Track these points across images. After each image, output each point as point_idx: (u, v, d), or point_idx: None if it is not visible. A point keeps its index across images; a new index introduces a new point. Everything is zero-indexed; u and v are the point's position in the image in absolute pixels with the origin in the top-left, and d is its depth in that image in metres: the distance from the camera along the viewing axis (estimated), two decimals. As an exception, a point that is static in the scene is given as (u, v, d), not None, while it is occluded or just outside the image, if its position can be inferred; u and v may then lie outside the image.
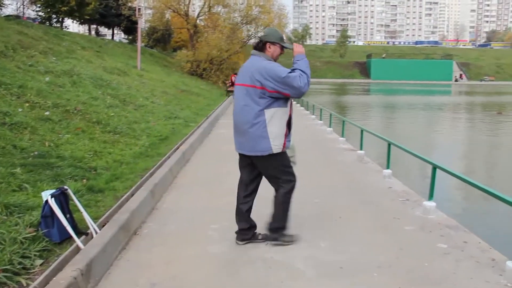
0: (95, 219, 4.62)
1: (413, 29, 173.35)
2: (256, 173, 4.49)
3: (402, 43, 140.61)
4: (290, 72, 4.13)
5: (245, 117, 4.22)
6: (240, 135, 4.33)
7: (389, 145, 7.62)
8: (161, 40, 44.06)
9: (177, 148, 9.08)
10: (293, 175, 4.43)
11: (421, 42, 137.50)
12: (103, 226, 4.52)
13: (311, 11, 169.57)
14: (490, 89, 72.39)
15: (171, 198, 6.27)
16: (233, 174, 7.70)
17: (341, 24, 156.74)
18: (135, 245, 4.54)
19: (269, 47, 4.34)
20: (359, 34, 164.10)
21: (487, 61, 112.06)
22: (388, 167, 7.60)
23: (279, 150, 4.22)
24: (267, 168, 4.35)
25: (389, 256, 4.35)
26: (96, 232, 4.30)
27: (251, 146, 4.23)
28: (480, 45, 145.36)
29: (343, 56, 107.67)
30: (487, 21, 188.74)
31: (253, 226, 4.62)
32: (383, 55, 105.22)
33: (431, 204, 5.73)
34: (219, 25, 35.58)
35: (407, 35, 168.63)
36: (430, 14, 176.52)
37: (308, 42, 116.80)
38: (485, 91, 66.37)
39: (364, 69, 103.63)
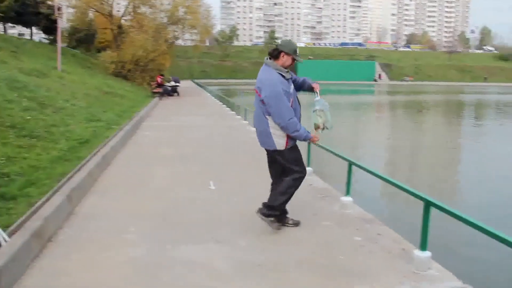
0: (5, 227, 4.42)
1: (338, 31, 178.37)
2: (279, 169, 5.04)
3: (328, 44, 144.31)
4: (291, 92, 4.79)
5: (256, 121, 4.92)
6: (258, 134, 4.95)
7: (309, 144, 7.85)
8: (84, 40, 42.45)
9: (98, 151, 8.84)
10: (302, 168, 4.97)
11: (346, 44, 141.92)
12: (14, 234, 4.34)
13: (238, 12, 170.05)
14: (410, 88, 76.08)
15: (90, 202, 6.10)
16: (157, 177, 7.72)
17: (268, 26, 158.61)
18: (50, 253, 4.38)
19: (283, 56, 4.76)
20: (287, 36, 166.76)
21: (407, 62, 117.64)
22: (308, 165, 7.79)
23: (282, 148, 4.80)
24: (278, 160, 4.92)
25: (307, 252, 4.49)
26: (6, 241, 4.12)
27: (262, 142, 4.93)
28: (400, 47, 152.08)
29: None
30: (406, 25, 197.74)
31: (284, 212, 5.19)
32: (310, 56, 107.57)
33: (348, 199, 5.98)
34: (144, 25, 34.81)
35: (333, 36, 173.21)
36: (354, 17, 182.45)
37: (235, 43, 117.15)
38: (405, 90, 69.67)
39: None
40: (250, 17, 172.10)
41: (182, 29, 39.28)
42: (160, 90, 29.29)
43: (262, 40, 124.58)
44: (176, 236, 4.89)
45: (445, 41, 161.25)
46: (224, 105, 23.94)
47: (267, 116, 4.73)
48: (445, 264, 4.24)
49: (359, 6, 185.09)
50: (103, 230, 5.07)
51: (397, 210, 9.07)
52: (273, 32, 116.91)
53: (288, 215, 5.23)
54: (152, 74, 34.18)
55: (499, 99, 55.38)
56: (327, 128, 4.98)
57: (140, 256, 4.37)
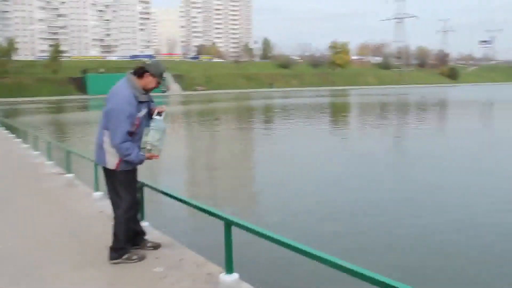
0: None
1: (128, 43, 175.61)
2: (111, 189, 4.54)
3: (118, 57, 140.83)
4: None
5: (98, 132, 4.44)
6: (95, 147, 4.50)
7: (95, 165, 6.96)
8: None
9: None
10: (130, 196, 4.46)
11: (137, 56, 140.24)
12: None
13: (17, 23, 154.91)
14: (203, 97, 78.63)
15: None
16: None
17: (53, 38, 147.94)
18: None
19: (147, 77, 4.37)
20: (74, 49, 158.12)
21: (198, 73, 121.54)
22: (96, 189, 6.93)
23: (113, 167, 4.34)
24: (109, 180, 4.47)
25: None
26: None
27: (96, 156, 4.49)
28: (191, 58, 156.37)
29: (57, 72, 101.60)
30: (195, 36, 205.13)
31: (140, 234, 4.79)
32: (101, 70, 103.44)
33: (144, 224, 5.32)
34: None
35: (123, 49, 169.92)
36: (143, 29, 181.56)
37: (15, 57, 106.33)
38: (199, 99, 71.70)
39: (81, 85, 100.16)
40: (32, 29, 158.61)
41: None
42: None
43: (46, 54, 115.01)
44: None
45: (232, 52, 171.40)
46: (2, 127, 21.11)
47: (104, 131, 4.32)
48: (256, 283, 3.97)
49: (148, 19, 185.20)
50: None
51: (199, 229, 8.46)
52: (58, 45, 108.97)
53: (146, 237, 4.84)
54: None
55: (283, 102, 60.49)
56: (150, 150, 4.45)
57: None
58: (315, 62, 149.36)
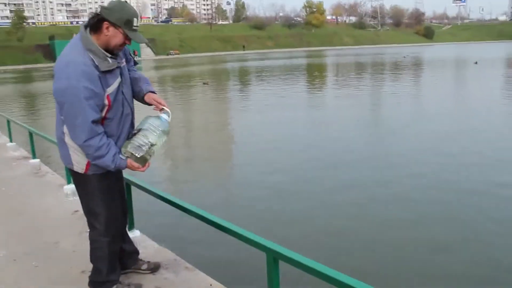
0: None
1: (97, 8, 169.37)
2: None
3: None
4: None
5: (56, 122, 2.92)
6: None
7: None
8: None
9: None
10: (109, 212, 3.01)
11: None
12: None
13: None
14: (177, 62, 76.06)
15: None
16: None
17: (15, 4, 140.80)
18: None
19: (107, 28, 2.70)
20: (38, 15, 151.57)
21: (171, 36, 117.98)
22: (69, 182, 5.46)
23: (81, 171, 2.90)
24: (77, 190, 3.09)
25: None
26: None
27: (60, 153, 2.97)
28: (162, 21, 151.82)
29: (22, 40, 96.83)
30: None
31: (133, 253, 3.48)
32: (74, 35, 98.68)
33: (133, 234, 4.00)
34: None
35: (91, 14, 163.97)
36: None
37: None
38: (174, 64, 69.29)
39: (49, 52, 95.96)
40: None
41: None
42: None
43: (9, 20, 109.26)
44: None
45: (204, 14, 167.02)
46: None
47: (63, 117, 2.76)
48: None
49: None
50: None
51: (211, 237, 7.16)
52: (20, 11, 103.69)
53: (140, 257, 3.50)
54: None
55: (258, 64, 58.80)
56: (138, 159, 2.85)
57: None
58: (290, 23, 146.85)
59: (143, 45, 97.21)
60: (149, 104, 3.06)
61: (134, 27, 2.74)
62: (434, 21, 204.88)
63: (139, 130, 2.85)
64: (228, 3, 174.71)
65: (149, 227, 5.31)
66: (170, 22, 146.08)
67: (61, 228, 4.53)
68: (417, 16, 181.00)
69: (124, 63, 2.96)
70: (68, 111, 2.65)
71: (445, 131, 13.53)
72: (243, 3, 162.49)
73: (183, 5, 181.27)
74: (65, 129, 2.78)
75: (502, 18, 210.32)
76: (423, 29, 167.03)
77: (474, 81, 30.32)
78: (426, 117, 16.32)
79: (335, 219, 7.27)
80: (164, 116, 2.93)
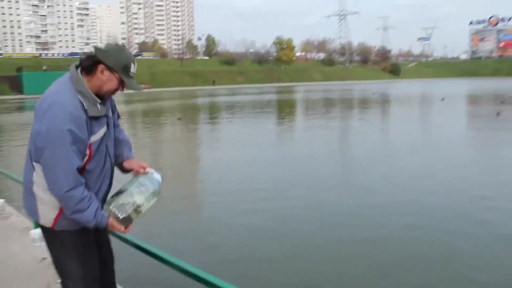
0: None
1: (67, 40, 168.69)
2: None
3: (56, 54, 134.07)
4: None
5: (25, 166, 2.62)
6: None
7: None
8: None
9: None
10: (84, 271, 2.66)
11: (76, 53, 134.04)
12: None
13: None
14: (148, 96, 75.61)
15: None
16: None
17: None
18: None
19: (102, 72, 2.50)
20: (6, 46, 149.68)
21: (142, 70, 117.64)
22: (37, 225, 5.16)
23: (49, 225, 2.58)
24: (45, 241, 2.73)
25: None
26: None
27: (24, 204, 2.68)
28: (133, 55, 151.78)
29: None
30: (137, 33, 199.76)
31: None
32: (44, 68, 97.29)
33: None
34: None
35: (61, 46, 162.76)
36: (82, 26, 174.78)
37: None
38: (144, 98, 68.79)
39: (16, 84, 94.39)
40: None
41: None
42: None
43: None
44: None
45: (175, 48, 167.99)
46: None
47: (34, 163, 2.50)
48: None
49: (87, 14, 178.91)
50: None
51: None
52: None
53: None
54: None
55: (227, 100, 59.07)
56: (124, 219, 2.58)
57: None
58: (260, 59, 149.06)
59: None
60: (126, 171, 2.84)
61: (130, 74, 2.60)
62: (400, 58, 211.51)
63: (126, 189, 2.63)
64: (199, 39, 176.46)
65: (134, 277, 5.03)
66: (140, 56, 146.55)
67: (27, 278, 4.23)
68: (384, 54, 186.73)
69: (111, 114, 2.76)
70: (49, 156, 2.38)
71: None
72: (214, 38, 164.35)
73: (154, 39, 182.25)
74: (36, 177, 2.51)
75: (464, 56, 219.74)
76: (390, 66, 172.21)
77: (445, 117, 30.80)
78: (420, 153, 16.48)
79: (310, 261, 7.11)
80: (156, 176, 2.74)
